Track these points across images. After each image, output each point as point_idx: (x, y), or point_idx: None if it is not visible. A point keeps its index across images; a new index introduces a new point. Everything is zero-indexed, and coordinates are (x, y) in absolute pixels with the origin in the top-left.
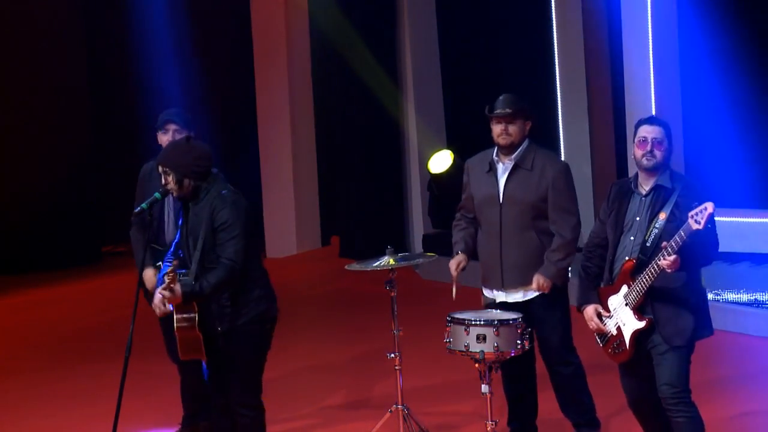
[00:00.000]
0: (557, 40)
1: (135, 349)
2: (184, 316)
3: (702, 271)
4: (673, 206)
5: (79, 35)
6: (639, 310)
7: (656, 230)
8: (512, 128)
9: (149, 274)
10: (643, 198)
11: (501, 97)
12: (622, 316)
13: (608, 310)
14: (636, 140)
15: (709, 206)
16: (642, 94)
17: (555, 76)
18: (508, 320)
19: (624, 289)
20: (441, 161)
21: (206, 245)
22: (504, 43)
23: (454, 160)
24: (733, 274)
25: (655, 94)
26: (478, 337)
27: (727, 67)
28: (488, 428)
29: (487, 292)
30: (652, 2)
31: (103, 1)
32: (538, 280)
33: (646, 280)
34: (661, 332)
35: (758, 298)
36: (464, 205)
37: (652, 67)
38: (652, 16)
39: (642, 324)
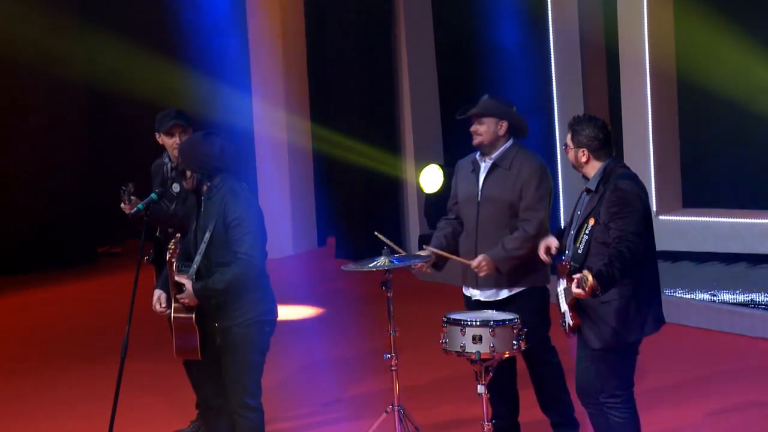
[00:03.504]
0: (554, 41)
1: (134, 348)
2: (183, 307)
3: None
4: (601, 209)
5: (77, 35)
6: (574, 308)
7: (586, 236)
8: (481, 128)
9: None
10: (585, 195)
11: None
12: (563, 304)
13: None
14: None
15: (589, 277)
16: (638, 94)
17: (552, 77)
18: (504, 321)
19: (563, 283)
20: (432, 179)
21: (215, 238)
22: (500, 45)
23: (444, 174)
24: (730, 275)
25: (651, 93)
26: (474, 338)
27: (724, 64)
28: (484, 429)
29: (465, 290)
30: (647, 2)
31: (104, 1)
32: (480, 258)
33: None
34: (584, 334)
35: (755, 299)
36: (449, 206)
37: (648, 66)
38: (648, 16)
39: (573, 322)
